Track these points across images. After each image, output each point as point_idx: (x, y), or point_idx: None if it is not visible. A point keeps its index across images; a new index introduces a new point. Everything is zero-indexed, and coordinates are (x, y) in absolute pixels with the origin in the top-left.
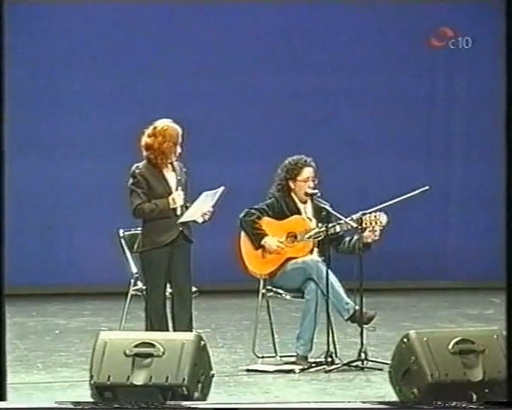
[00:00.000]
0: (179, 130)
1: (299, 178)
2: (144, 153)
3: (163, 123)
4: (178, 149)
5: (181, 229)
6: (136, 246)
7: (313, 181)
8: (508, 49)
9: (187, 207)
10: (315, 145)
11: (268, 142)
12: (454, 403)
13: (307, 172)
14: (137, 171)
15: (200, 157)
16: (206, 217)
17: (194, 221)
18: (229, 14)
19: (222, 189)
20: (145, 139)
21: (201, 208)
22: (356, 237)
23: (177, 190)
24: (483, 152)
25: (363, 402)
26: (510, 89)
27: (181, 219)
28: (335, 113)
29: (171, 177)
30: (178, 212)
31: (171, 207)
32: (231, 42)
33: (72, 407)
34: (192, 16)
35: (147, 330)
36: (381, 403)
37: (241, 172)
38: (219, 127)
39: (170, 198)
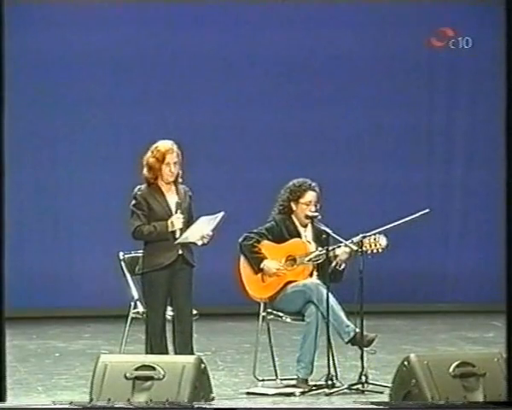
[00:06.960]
0: (170, 148)
1: (301, 200)
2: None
3: (159, 142)
4: (173, 169)
5: (180, 252)
6: (137, 268)
7: (315, 205)
8: (508, 49)
9: None
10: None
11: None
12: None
13: (310, 195)
14: (139, 192)
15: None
16: (206, 240)
17: (194, 243)
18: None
19: (221, 214)
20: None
21: (199, 232)
22: (333, 265)
23: (176, 213)
24: (485, 161)
25: (361, 402)
26: (510, 89)
27: (178, 241)
28: (333, 116)
29: (172, 199)
30: (177, 235)
31: (170, 230)
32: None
33: (69, 406)
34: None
35: (146, 352)
36: (374, 403)
37: (244, 196)
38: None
39: (169, 221)
